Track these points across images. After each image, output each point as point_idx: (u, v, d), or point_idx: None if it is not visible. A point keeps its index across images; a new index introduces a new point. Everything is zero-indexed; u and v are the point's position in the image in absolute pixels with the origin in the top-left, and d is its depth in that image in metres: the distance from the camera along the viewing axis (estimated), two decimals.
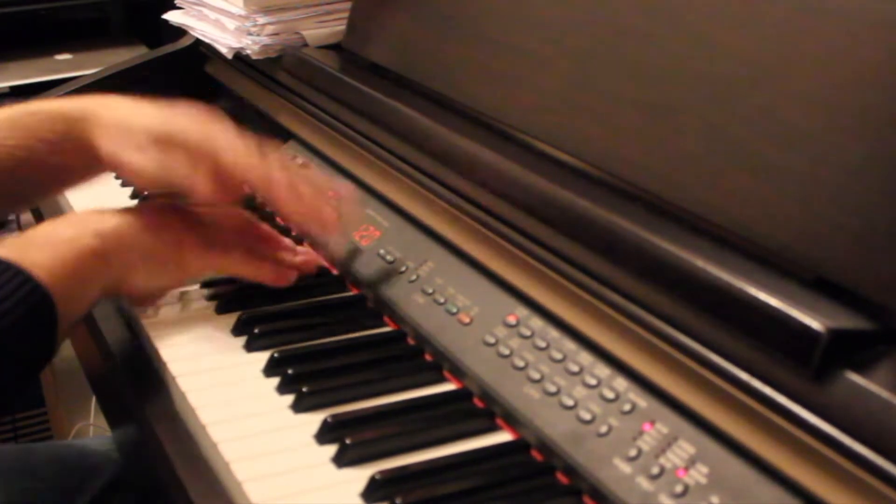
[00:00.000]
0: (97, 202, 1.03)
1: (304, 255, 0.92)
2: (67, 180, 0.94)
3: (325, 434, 0.69)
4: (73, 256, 0.75)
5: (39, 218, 1.13)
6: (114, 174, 1.04)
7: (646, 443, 0.62)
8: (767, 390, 0.57)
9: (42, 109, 0.89)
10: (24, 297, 0.69)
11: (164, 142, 0.83)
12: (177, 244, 0.82)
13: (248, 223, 0.91)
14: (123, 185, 1.15)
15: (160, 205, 0.87)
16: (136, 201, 1.10)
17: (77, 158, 0.88)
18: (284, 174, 0.84)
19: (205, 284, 0.89)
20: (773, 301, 0.57)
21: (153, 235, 0.81)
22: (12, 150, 0.86)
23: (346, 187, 0.96)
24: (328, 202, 0.85)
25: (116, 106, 0.88)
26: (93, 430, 1.84)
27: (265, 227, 0.92)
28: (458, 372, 0.76)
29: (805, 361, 0.55)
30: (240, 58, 1.17)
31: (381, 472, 0.64)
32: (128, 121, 0.85)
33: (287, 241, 0.92)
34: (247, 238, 0.88)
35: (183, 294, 0.88)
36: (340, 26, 1.15)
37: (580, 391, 0.67)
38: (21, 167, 0.86)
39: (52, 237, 0.76)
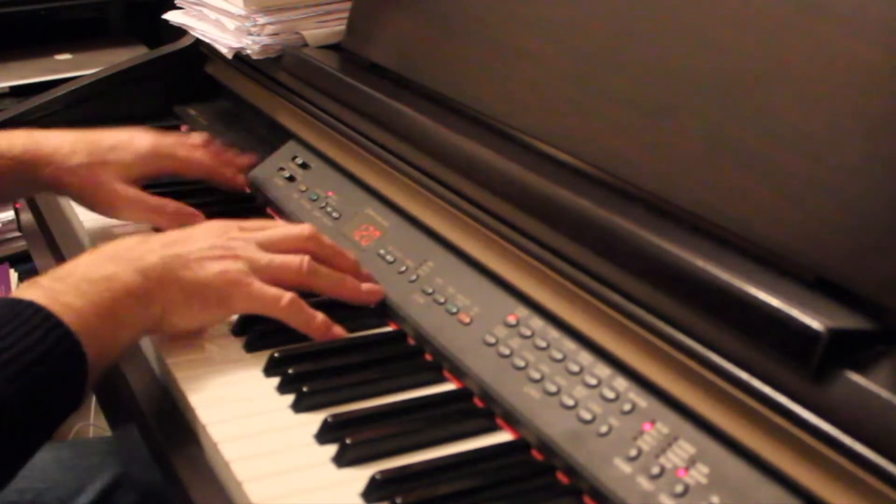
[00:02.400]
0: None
1: (370, 279, 0.86)
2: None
3: (325, 434, 0.69)
4: (110, 298, 0.71)
5: (38, 214, 1.12)
6: None
7: (646, 443, 0.62)
8: (767, 390, 0.57)
9: None
10: (52, 347, 0.65)
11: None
12: (224, 282, 0.78)
13: (312, 239, 0.84)
14: None
15: (215, 231, 0.82)
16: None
17: (11, 178, 0.95)
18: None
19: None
20: (773, 301, 0.57)
21: (199, 269, 0.77)
22: None
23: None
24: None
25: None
26: (93, 430, 1.84)
27: (329, 243, 0.86)
28: (458, 372, 0.76)
29: (805, 361, 0.55)
30: (240, 58, 1.17)
31: (381, 472, 0.64)
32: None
33: (353, 260, 0.86)
34: (304, 278, 0.81)
35: None
36: (340, 26, 1.15)
37: (580, 391, 0.67)
38: None
39: (90, 275, 0.72)
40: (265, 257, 0.80)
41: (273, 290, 0.79)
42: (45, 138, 0.98)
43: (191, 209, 0.99)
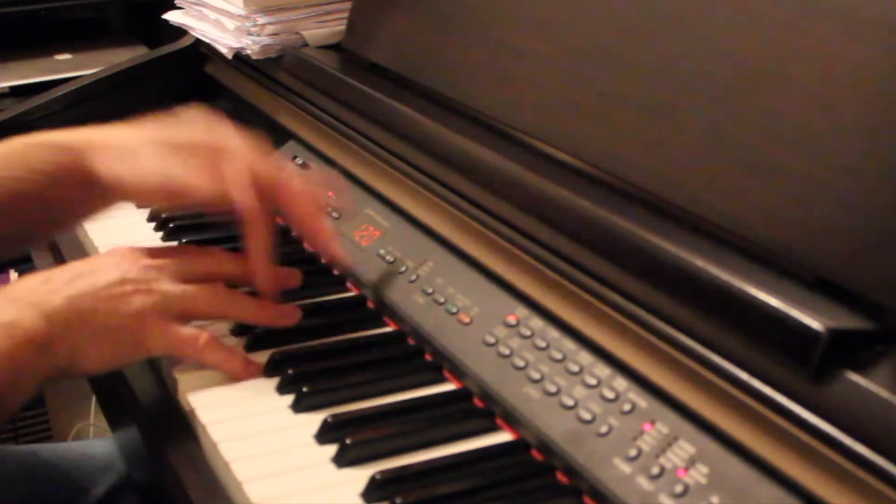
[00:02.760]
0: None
1: (290, 283, 0.83)
2: (68, 215, 0.87)
3: (325, 434, 0.69)
4: (10, 346, 0.66)
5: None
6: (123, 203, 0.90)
7: (646, 443, 0.62)
8: (767, 390, 0.57)
9: (37, 141, 0.82)
10: None
11: (165, 148, 0.80)
12: (136, 322, 0.72)
13: (223, 294, 0.78)
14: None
15: (124, 264, 0.76)
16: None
17: (76, 191, 0.81)
18: (293, 178, 0.79)
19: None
20: (773, 301, 0.57)
21: (108, 310, 0.72)
22: (8, 182, 0.79)
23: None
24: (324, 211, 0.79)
25: (112, 130, 0.83)
26: (93, 430, 1.84)
27: (241, 300, 0.79)
28: (458, 372, 0.76)
29: (805, 361, 0.55)
30: (240, 58, 1.17)
31: (381, 472, 0.64)
32: (124, 138, 0.81)
33: (269, 304, 0.81)
34: (220, 304, 0.77)
35: None
36: (340, 26, 1.15)
37: (580, 391, 0.67)
38: (19, 200, 0.80)
39: None
40: (178, 289, 0.75)
41: (188, 332, 0.74)
42: (93, 131, 0.85)
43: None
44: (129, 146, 0.80)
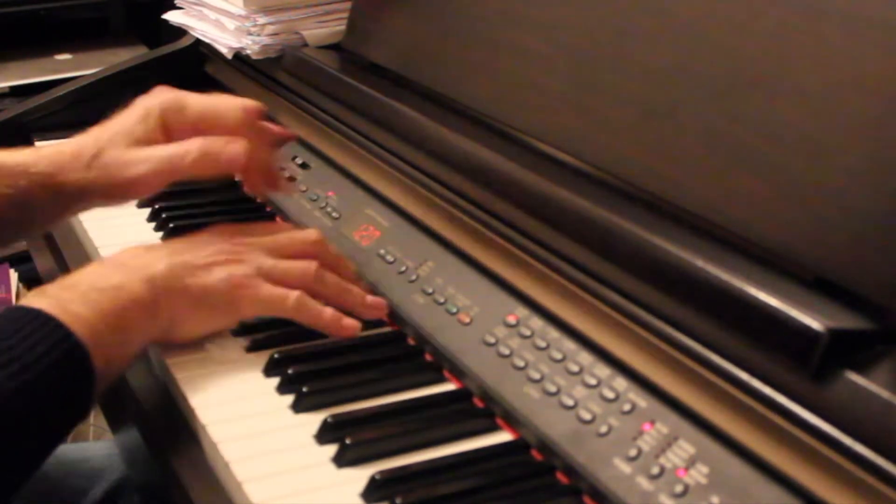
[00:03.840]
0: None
1: (372, 301, 0.83)
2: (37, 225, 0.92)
3: (325, 434, 0.69)
4: (119, 307, 0.71)
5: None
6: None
7: (646, 443, 0.62)
8: (767, 390, 0.57)
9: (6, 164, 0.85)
10: (60, 357, 0.65)
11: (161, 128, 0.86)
12: (230, 286, 0.77)
13: (318, 244, 0.84)
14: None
15: (217, 233, 0.82)
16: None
17: (45, 203, 0.86)
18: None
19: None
20: (773, 301, 0.57)
21: (206, 275, 0.76)
22: None
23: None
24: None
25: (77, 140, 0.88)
26: (93, 430, 1.84)
27: (335, 251, 0.85)
28: (458, 372, 0.76)
29: (805, 361, 0.55)
30: (240, 58, 1.17)
31: (381, 472, 0.64)
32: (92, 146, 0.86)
33: (356, 272, 0.86)
34: (309, 283, 0.80)
35: None
36: (340, 26, 1.15)
37: (580, 391, 0.67)
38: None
39: (97, 284, 0.71)
40: (270, 261, 0.80)
41: (279, 290, 0.78)
42: (67, 142, 0.90)
43: (217, 138, 0.87)
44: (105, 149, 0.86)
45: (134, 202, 1.07)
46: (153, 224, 1.04)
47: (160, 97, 0.90)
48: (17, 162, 0.86)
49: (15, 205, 0.85)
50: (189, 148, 0.85)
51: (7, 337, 0.64)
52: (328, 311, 0.79)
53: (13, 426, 0.62)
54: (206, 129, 0.88)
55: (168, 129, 0.88)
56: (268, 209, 1.06)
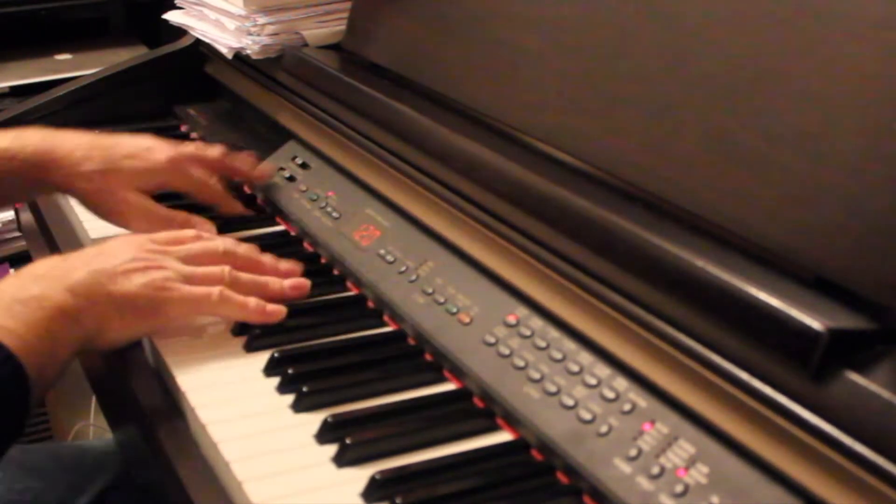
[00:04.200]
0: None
1: (291, 274, 0.87)
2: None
3: (325, 434, 0.69)
4: (44, 318, 0.71)
5: (38, 214, 1.12)
6: None
7: (646, 443, 0.62)
8: (767, 390, 0.57)
9: None
10: None
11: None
12: (153, 289, 0.78)
13: (228, 253, 0.86)
14: None
15: (134, 244, 0.82)
16: None
17: (22, 181, 0.95)
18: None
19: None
20: (773, 301, 0.57)
21: (126, 282, 0.77)
22: None
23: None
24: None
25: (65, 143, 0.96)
26: (93, 430, 1.84)
27: (245, 253, 0.87)
28: (458, 372, 0.76)
29: (805, 361, 0.55)
30: (240, 58, 1.17)
31: (381, 472, 0.64)
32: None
33: (272, 263, 0.88)
34: (224, 283, 0.82)
35: None
36: (340, 26, 1.15)
37: (580, 391, 0.67)
38: None
39: (19, 296, 0.72)
40: (187, 268, 0.82)
41: (202, 289, 0.80)
42: (59, 140, 0.97)
43: (200, 219, 0.97)
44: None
45: None
46: None
47: (173, 157, 0.99)
48: (2, 147, 0.94)
49: None
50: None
51: None
52: (252, 301, 0.81)
53: None
54: (200, 199, 1.01)
55: (168, 185, 1.00)
56: (268, 209, 1.06)
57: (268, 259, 0.88)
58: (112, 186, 0.96)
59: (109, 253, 0.80)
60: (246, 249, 0.87)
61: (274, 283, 0.85)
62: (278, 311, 0.82)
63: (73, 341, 0.74)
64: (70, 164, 0.96)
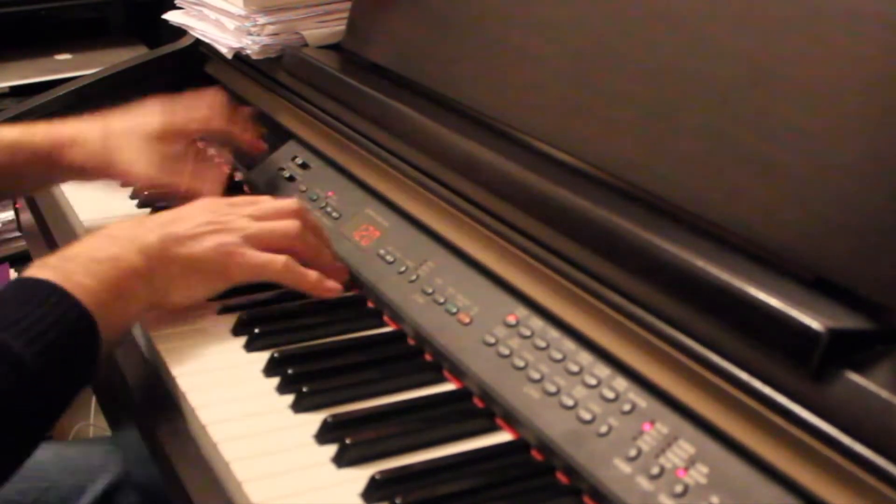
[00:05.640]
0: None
1: (340, 266, 0.89)
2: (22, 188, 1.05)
3: (325, 434, 0.69)
4: (117, 277, 0.75)
5: (38, 214, 1.13)
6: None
7: (646, 443, 0.62)
8: (767, 390, 0.57)
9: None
10: (69, 324, 0.69)
11: (163, 139, 0.97)
12: (220, 253, 0.81)
13: (300, 210, 0.89)
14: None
15: (208, 208, 0.86)
16: (135, 203, 1.10)
17: (34, 170, 0.99)
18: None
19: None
20: (773, 301, 0.57)
21: (195, 245, 0.81)
22: None
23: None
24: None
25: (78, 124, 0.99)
26: (93, 430, 1.84)
27: (314, 218, 0.91)
28: (458, 372, 0.76)
29: (805, 361, 0.55)
30: (240, 58, 1.17)
31: (381, 472, 0.64)
32: (122, 129, 0.97)
33: (330, 251, 0.90)
34: (293, 241, 0.85)
35: None
36: (340, 26, 1.15)
37: (580, 391, 0.67)
38: None
39: (95, 255, 0.76)
40: (255, 226, 0.84)
41: (267, 255, 0.83)
42: (63, 127, 1.01)
43: (208, 167, 1.02)
44: (124, 137, 0.97)
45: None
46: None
47: (166, 122, 1.01)
48: (12, 138, 0.98)
49: (4, 175, 0.98)
50: (182, 174, 1.00)
51: (21, 307, 0.68)
52: (313, 273, 0.84)
53: (27, 386, 0.66)
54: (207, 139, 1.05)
55: (171, 147, 1.00)
56: None
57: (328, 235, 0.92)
58: (115, 160, 0.99)
59: (183, 216, 0.83)
60: (313, 216, 0.91)
61: (330, 253, 0.89)
62: (336, 287, 0.85)
63: (143, 300, 0.78)
64: (75, 146, 0.99)
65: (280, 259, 0.83)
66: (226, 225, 0.83)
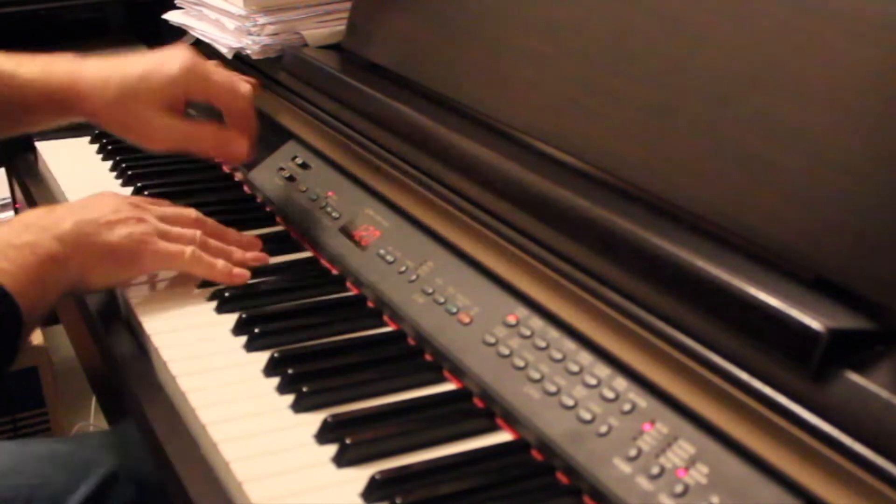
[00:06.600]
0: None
1: (253, 247, 0.94)
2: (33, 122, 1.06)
3: (325, 434, 0.69)
4: (35, 263, 0.78)
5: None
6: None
7: (646, 443, 0.62)
8: (767, 390, 0.57)
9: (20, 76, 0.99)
10: None
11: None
12: (133, 241, 0.85)
13: (199, 220, 0.92)
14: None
15: (115, 199, 0.89)
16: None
17: (50, 111, 1.00)
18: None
19: (204, 283, 0.89)
20: (773, 301, 0.57)
21: (109, 233, 0.84)
22: None
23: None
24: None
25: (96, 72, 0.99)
26: (93, 430, 1.84)
27: (213, 223, 0.94)
28: (458, 372, 0.76)
29: (805, 361, 0.55)
30: (240, 58, 1.17)
31: (381, 472, 0.64)
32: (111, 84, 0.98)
33: (235, 235, 0.95)
34: (195, 245, 0.89)
35: (183, 294, 0.88)
36: (340, 26, 1.15)
37: (580, 391, 0.67)
38: None
39: (13, 241, 0.78)
40: (164, 225, 0.89)
41: (176, 246, 0.87)
42: (82, 72, 1.00)
43: (229, 133, 1.01)
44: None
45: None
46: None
47: (187, 64, 0.99)
48: (31, 76, 0.99)
49: (15, 110, 1.01)
50: (202, 142, 1.01)
51: None
52: (220, 262, 0.89)
53: None
54: (221, 104, 1.01)
55: (189, 95, 1.00)
56: (268, 209, 1.06)
57: (232, 231, 0.95)
58: (134, 110, 0.98)
59: (93, 206, 0.87)
60: (213, 221, 0.94)
61: (237, 252, 0.92)
62: (243, 274, 0.89)
63: (60, 285, 0.81)
64: (92, 96, 0.99)
65: (188, 249, 0.87)
66: (137, 216, 0.87)
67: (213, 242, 0.90)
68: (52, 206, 0.88)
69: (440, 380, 0.76)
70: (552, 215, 0.74)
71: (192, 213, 0.93)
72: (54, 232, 0.81)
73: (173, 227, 0.89)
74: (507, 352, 0.73)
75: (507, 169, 0.79)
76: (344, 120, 1.02)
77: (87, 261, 0.82)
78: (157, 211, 0.90)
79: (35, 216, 0.84)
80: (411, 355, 0.79)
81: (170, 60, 0.99)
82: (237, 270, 0.89)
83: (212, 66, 1.01)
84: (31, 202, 1.17)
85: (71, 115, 1.02)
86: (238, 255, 0.91)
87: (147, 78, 0.98)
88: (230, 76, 1.01)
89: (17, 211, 1.32)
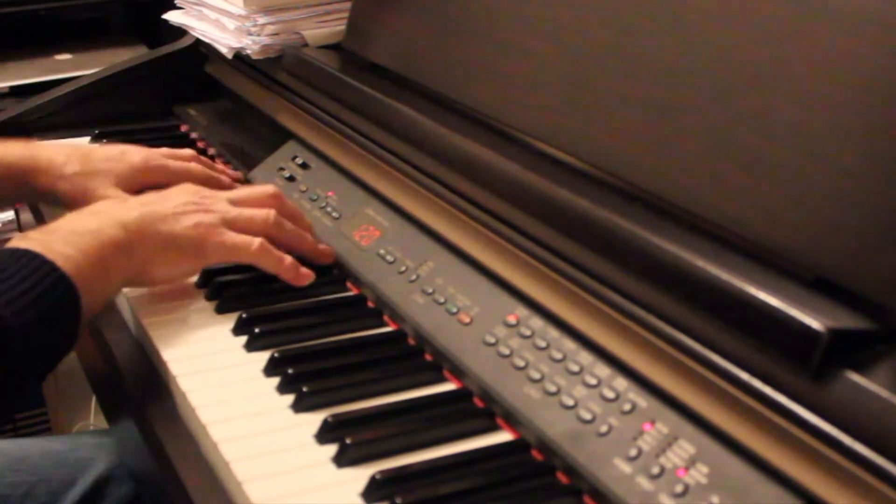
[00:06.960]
0: None
1: (323, 249, 0.92)
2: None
3: (325, 434, 0.69)
4: (97, 247, 0.77)
5: (38, 214, 1.13)
6: None
7: (646, 442, 0.62)
8: (767, 390, 0.57)
9: None
10: (49, 288, 0.71)
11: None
12: (198, 232, 0.84)
13: (275, 196, 0.91)
14: None
15: (189, 190, 0.89)
16: None
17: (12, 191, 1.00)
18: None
19: (203, 283, 0.89)
20: (773, 301, 0.57)
21: (175, 223, 0.83)
22: None
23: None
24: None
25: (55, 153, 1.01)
26: (92, 429, 1.84)
27: (292, 204, 0.93)
28: (458, 372, 0.76)
29: (805, 361, 0.55)
30: (240, 58, 1.17)
31: (381, 472, 0.64)
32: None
33: (309, 222, 0.93)
34: (270, 229, 0.88)
35: (183, 294, 0.88)
36: (340, 26, 1.15)
37: (580, 391, 0.67)
38: None
39: (76, 228, 0.78)
40: (234, 210, 0.87)
41: (243, 237, 0.85)
42: (41, 149, 1.02)
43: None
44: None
45: None
46: None
47: (147, 156, 1.03)
48: None
49: None
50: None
51: (5, 277, 0.70)
52: (288, 258, 0.86)
53: (9, 349, 0.68)
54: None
55: (149, 183, 1.01)
56: None
57: (309, 221, 0.93)
58: (93, 186, 1.00)
59: (165, 197, 0.87)
60: (292, 203, 0.93)
61: (310, 239, 0.90)
62: (309, 274, 0.87)
63: (123, 272, 0.80)
64: (52, 169, 1.00)
65: (256, 241, 0.85)
66: (205, 206, 0.86)
67: (287, 225, 0.89)
68: (126, 197, 0.89)
69: (440, 380, 0.76)
70: (552, 215, 0.74)
71: (268, 189, 0.92)
72: (119, 219, 0.81)
73: (243, 211, 0.87)
74: (507, 352, 0.73)
75: (507, 169, 0.79)
76: (344, 120, 1.02)
77: (151, 250, 0.82)
78: (230, 194, 0.90)
79: (106, 205, 0.85)
80: (411, 355, 0.79)
81: (130, 152, 1.03)
82: (304, 270, 0.87)
83: (167, 156, 1.05)
84: (34, 206, 1.16)
85: (27, 189, 1.01)
86: (310, 242, 0.90)
87: (109, 160, 1.01)
88: (184, 163, 1.05)
89: (16, 211, 1.32)
